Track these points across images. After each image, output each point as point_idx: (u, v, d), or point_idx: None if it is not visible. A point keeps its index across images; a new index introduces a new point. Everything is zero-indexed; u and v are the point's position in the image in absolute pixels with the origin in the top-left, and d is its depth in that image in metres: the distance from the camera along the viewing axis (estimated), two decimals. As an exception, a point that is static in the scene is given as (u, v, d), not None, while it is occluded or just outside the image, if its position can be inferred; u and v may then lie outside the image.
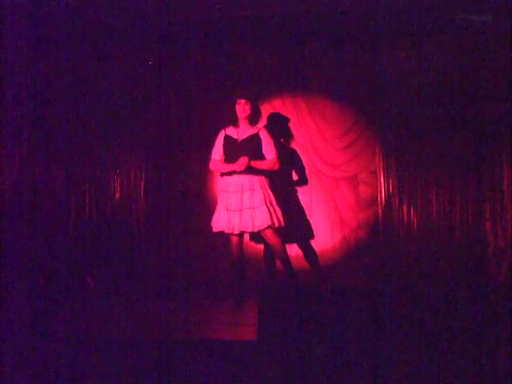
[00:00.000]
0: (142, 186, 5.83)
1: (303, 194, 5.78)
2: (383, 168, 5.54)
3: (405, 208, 5.47)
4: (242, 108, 4.90)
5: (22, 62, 5.58)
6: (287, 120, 5.81)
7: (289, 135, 5.79)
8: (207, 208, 5.85)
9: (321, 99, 5.92)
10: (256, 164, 4.83)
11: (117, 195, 5.83)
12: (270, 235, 4.83)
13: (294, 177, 5.78)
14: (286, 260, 4.88)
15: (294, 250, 5.59)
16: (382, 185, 5.54)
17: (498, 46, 5.03)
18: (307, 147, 5.89)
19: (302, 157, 5.81)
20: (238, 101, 4.91)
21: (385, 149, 5.55)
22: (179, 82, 6.00)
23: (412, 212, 5.46)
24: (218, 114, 5.21)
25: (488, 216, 5.22)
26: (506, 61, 4.90)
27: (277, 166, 4.94)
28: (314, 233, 5.70)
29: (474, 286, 4.96)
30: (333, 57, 5.87)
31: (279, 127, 5.71)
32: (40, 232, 5.60)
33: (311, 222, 5.72)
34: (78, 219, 5.73)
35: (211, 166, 5.07)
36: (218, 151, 5.01)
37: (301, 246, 5.64)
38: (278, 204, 4.93)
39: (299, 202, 5.74)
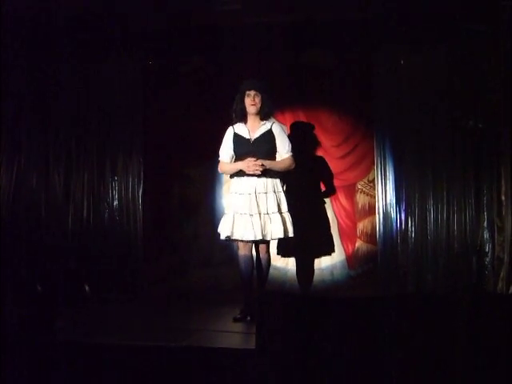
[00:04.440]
0: (140, 194, 5.82)
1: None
2: (381, 177, 5.52)
3: (403, 217, 5.46)
4: (252, 101, 4.43)
5: (19, 69, 5.58)
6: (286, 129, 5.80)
7: None
8: (206, 215, 5.86)
9: (319, 109, 5.94)
10: (273, 165, 4.43)
11: (115, 203, 5.82)
12: (263, 248, 4.52)
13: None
14: (266, 274, 4.57)
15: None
16: (380, 194, 5.52)
17: (497, 54, 5.05)
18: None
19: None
20: (247, 92, 4.46)
21: (383, 158, 5.55)
22: (178, 89, 6.01)
23: (410, 221, 5.44)
24: (217, 120, 5.12)
25: (486, 225, 5.22)
26: (505, 69, 4.92)
27: (293, 165, 4.52)
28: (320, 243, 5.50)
29: (471, 295, 4.96)
30: (331, 66, 5.88)
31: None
32: (37, 239, 5.58)
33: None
34: (75, 226, 5.71)
35: (219, 167, 4.65)
36: (226, 151, 4.56)
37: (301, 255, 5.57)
38: (289, 211, 4.50)
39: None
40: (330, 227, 5.47)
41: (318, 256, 5.51)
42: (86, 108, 5.81)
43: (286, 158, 4.50)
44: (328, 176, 5.60)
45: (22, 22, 5.27)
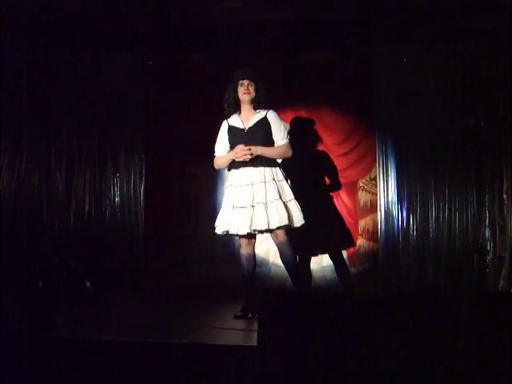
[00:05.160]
0: (142, 191, 5.82)
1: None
2: (383, 175, 5.53)
3: (404, 215, 5.46)
4: (246, 90, 4.28)
5: (20, 68, 5.57)
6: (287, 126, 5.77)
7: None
8: (206, 212, 5.85)
9: (321, 107, 5.94)
10: (265, 151, 4.23)
11: (116, 200, 5.82)
12: (279, 234, 4.20)
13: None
14: (294, 262, 4.29)
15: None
16: (382, 191, 5.53)
17: (498, 53, 5.04)
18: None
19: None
20: (241, 82, 4.31)
21: (384, 155, 5.55)
22: (179, 88, 6.01)
23: (411, 219, 5.45)
24: (218, 117, 5.08)
25: (487, 223, 5.22)
26: (506, 68, 4.91)
27: (290, 153, 4.32)
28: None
29: (472, 293, 4.95)
30: (333, 65, 5.89)
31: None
32: (39, 237, 5.59)
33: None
34: (77, 224, 5.72)
35: (214, 162, 4.48)
36: (221, 145, 4.42)
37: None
38: (297, 199, 4.27)
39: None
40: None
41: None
42: (88, 106, 5.81)
43: (282, 145, 4.31)
44: (333, 170, 5.51)
45: (22, 21, 5.26)
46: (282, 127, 4.36)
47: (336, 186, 5.21)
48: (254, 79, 4.33)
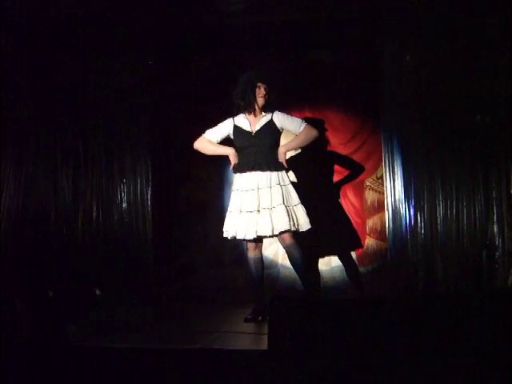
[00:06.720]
0: (149, 195, 5.82)
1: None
2: (389, 173, 5.50)
3: (412, 213, 5.44)
4: (263, 94, 4.41)
5: (22, 73, 5.57)
6: None
7: None
8: (214, 216, 5.85)
9: (326, 107, 5.92)
10: (293, 145, 4.46)
11: (123, 204, 5.82)
12: (286, 237, 4.26)
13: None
14: (302, 264, 4.32)
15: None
16: (389, 190, 5.50)
17: (504, 48, 5.02)
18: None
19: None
20: (259, 84, 4.43)
21: (390, 154, 5.52)
22: (184, 90, 6.01)
23: (419, 217, 5.42)
24: (225, 119, 5.05)
25: (495, 219, 5.19)
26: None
27: (315, 132, 4.43)
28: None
29: (481, 290, 4.94)
30: (337, 64, 5.87)
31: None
32: (47, 242, 5.59)
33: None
34: (84, 229, 5.72)
35: (198, 141, 4.60)
36: (216, 133, 4.55)
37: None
38: (302, 203, 4.36)
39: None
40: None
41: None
42: (93, 111, 5.80)
43: (303, 130, 4.41)
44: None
45: (24, 23, 5.26)
46: (293, 117, 4.47)
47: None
48: (268, 83, 4.43)
